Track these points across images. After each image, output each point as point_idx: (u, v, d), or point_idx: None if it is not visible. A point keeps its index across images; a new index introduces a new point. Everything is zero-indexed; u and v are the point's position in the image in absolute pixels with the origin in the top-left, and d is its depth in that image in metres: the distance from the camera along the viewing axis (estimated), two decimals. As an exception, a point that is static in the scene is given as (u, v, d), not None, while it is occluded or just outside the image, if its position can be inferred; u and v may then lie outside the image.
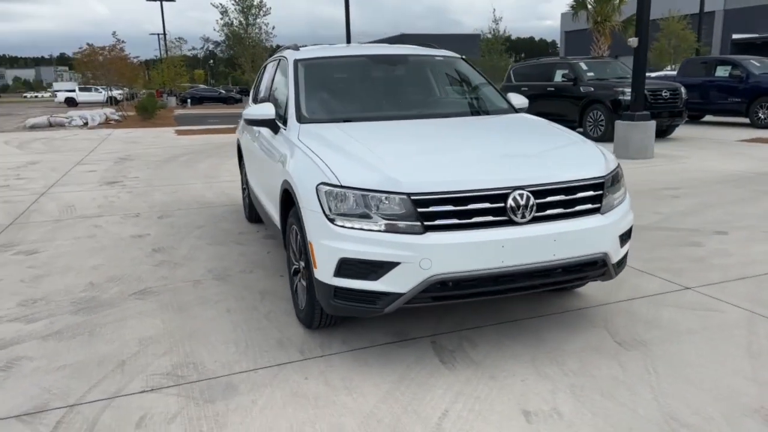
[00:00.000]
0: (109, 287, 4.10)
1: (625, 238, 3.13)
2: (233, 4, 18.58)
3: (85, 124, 22.71)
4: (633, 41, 9.72)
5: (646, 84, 12.22)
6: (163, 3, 40.01)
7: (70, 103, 44.71)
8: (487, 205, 2.73)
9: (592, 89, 12.84)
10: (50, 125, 22.32)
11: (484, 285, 2.77)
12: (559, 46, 54.27)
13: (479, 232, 2.69)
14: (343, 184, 2.76)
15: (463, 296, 2.81)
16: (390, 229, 2.67)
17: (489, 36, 38.90)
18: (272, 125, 3.80)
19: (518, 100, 4.31)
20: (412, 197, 2.67)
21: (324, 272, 2.79)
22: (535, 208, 2.77)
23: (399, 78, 4.36)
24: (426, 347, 3.08)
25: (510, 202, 2.74)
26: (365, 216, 2.71)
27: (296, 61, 4.15)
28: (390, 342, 3.15)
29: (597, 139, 11.98)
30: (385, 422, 2.41)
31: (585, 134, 12.85)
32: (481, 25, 50.53)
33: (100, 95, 42.52)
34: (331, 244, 2.73)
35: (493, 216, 2.73)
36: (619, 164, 3.29)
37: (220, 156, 11.72)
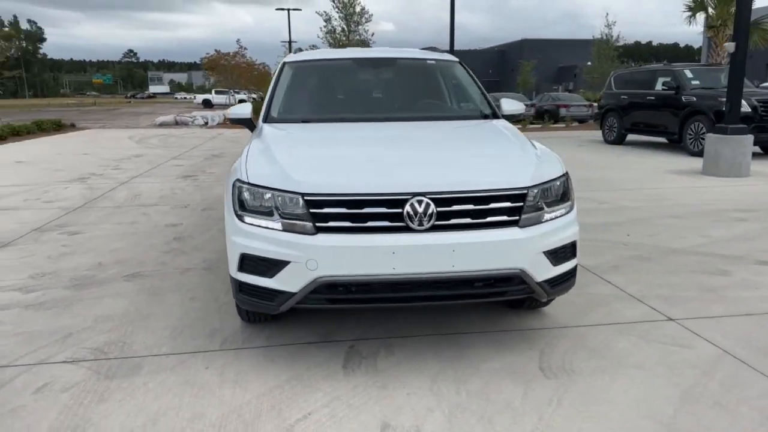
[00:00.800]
0: (111, 268, 4.51)
1: (559, 255, 2.87)
2: (336, 12, 19.30)
3: (206, 123, 24.76)
4: (730, 46, 8.73)
5: (757, 95, 10.97)
6: (291, 12, 42.51)
7: (207, 104, 48.86)
8: (383, 209, 2.65)
9: (695, 99, 11.68)
10: (176, 123, 24.62)
11: (378, 291, 2.69)
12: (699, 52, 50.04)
13: (369, 236, 2.63)
14: (251, 182, 2.83)
15: (358, 301, 2.76)
16: (286, 228, 2.69)
17: (601, 40, 36.83)
18: (248, 124, 3.97)
19: (509, 106, 4.11)
20: (306, 197, 2.67)
21: (232, 267, 2.88)
22: (435, 216, 2.65)
23: (379, 81, 4.34)
24: (340, 351, 3.05)
25: (407, 208, 2.64)
26: (269, 214, 2.76)
27: (284, 64, 4.29)
28: (311, 342, 3.16)
29: (697, 154, 10.94)
30: (244, 417, 2.44)
31: (685, 149, 11.77)
32: (613, 31, 47.52)
33: (232, 98, 46.13)
34: (236, 239, 2.81)
35: (390, 221, 2.65)
36: (562, 176, 3.02)
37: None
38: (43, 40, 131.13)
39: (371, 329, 3.29)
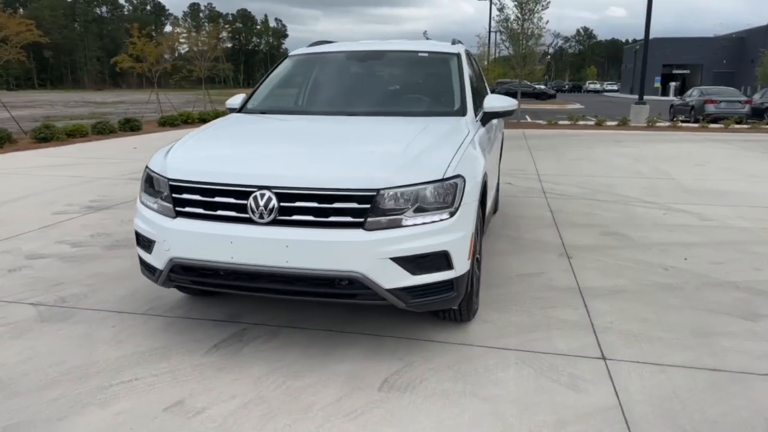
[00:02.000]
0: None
1: (418, 264, 2.65)
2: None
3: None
4: None
5: None
6: (492, 3, 42.05)
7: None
8: (231, 200, 2.74)
9: None
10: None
11: (223, 278, 2.81)
12: None
13: (213, 224, 2.75)
14: (149, 167, 3.14)
15: (208, 285, 2.92)
16: (158, 210, 2.95)
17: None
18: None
19: (491, 102, 3.83)
20: (170, 183, 2.89)
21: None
22: (277, 210, 2.65)
23: (367, 75, 4.26)
24: (230, 331, 3.22)
25: (251, 200, 2.69)
26: (155, 197, 3.04)
27: (287, 56, 4.50)
28: (216, 320, 3.37)
29: None
30: (87, 371, 2.77)
31: None
32: None
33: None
34: (135, 217, 3.15)
35: (236, 212, 2.73)
36: (439, 181, 2.75)
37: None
38: (285, 36, 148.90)
39: (277, 317, 3.40)
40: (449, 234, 2.73)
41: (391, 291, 2.65)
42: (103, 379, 2.70)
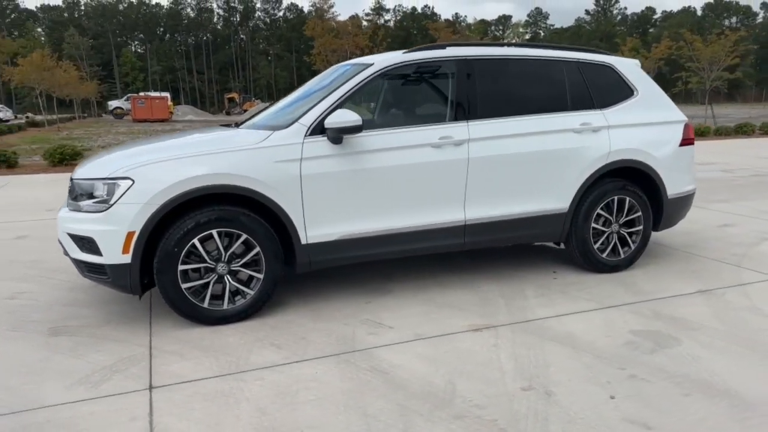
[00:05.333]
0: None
1: (79, 243, 3.50)
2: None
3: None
4: None
5: None
6: None
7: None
8: None
9: None
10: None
11: None
12: None
13: None
14: None
15: None
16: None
17: None
18: None
19: (334, 118, 3.64)
20: None
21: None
22: None
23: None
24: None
25: None
26: None
27: None
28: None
29: None
30: (28, 337, 3.33)
31: None
32: None
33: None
34: None
35: None
36: (105, 179, 3.42)
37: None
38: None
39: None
40: (97, 225, 3.38)
41: (73, 259, 3.58)
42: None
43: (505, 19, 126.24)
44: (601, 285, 4.31)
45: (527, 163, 4.20)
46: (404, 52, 4.13)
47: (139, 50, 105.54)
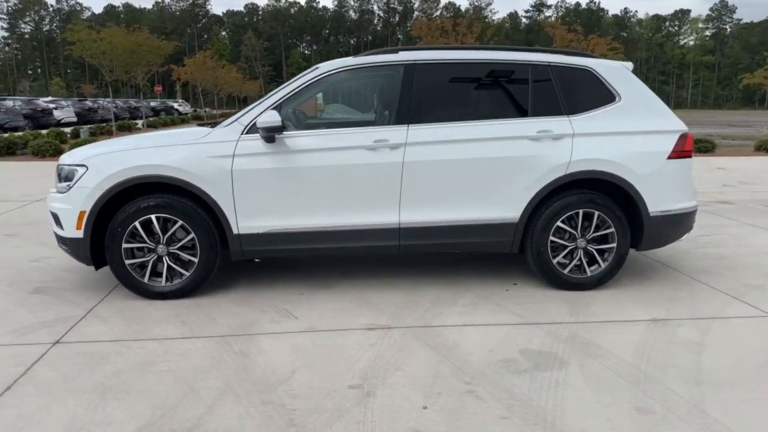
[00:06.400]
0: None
1: (54, 219, 4.15)
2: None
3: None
4: None
5: None
6: None
7: None
8: None
9: None
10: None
11: None
12: None
13: None
14: None
15: None
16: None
17: None
18: None
19: (262, 118, 3.91)
20: None
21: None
22: None
23: None
24: (120, 282, 4.32)
25: None
26: None
27: None
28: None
29: None
30: None
31: None
32: None
33: None
34: None
35: None
36: (69, 165, 4.07)
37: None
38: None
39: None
40: (61, 203, 4.04)
41: (53, 233, 4.22)
42: (8, 298, 3.99)
43: (682, 14, 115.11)
44: (547, 302, 4.07)
45: (469, 169, 4.10)
46: (355, 56, 4.27)
47: (306, 52, 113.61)
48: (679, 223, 4.40)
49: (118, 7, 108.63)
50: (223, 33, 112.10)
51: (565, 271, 4.26)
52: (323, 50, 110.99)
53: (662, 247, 4.77)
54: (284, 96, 4.08)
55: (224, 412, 2.65)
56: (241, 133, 4.01)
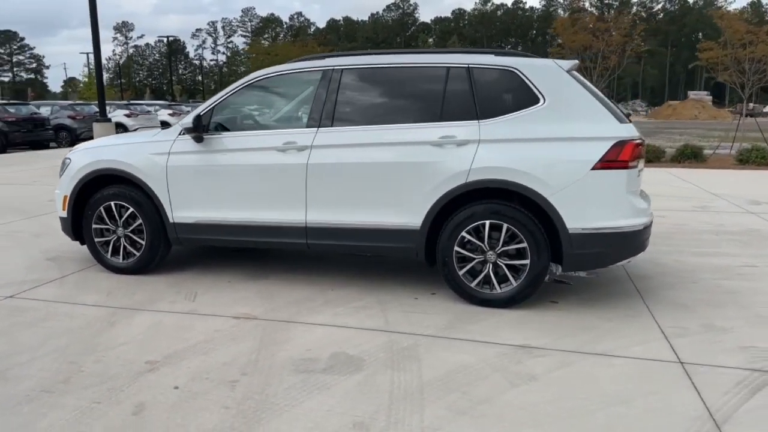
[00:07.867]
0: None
1: None
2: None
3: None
4: None
5: None
6: None
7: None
8: None
9: None
10: None
11: None
12: None
13: None
14: None
15: None
16: None
17: None
18: None
19: (184, 120, 4.56)
20: None
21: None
22: None
23: None
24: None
25: None
26: None
27: None
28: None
29: None
30: None
31: None
32: None
33: None
34: None
35: None
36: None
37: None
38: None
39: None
40: (57, 189, 4.95)
41: None
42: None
43: None
44: (437, 314, 3.89)
45: (371, 173, 4.09)
46: (287, 63, 4.54)
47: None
48: (612, 244, 3.81)
49: (339, 21, 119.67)
50: (430, 40, 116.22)
51: (472, 285, 4.00)
52: (529, 50, 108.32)
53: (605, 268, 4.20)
54: (217, 100, 4.54)
55: (41, 364, 3.21)
56: (179, 134, 4.58)
